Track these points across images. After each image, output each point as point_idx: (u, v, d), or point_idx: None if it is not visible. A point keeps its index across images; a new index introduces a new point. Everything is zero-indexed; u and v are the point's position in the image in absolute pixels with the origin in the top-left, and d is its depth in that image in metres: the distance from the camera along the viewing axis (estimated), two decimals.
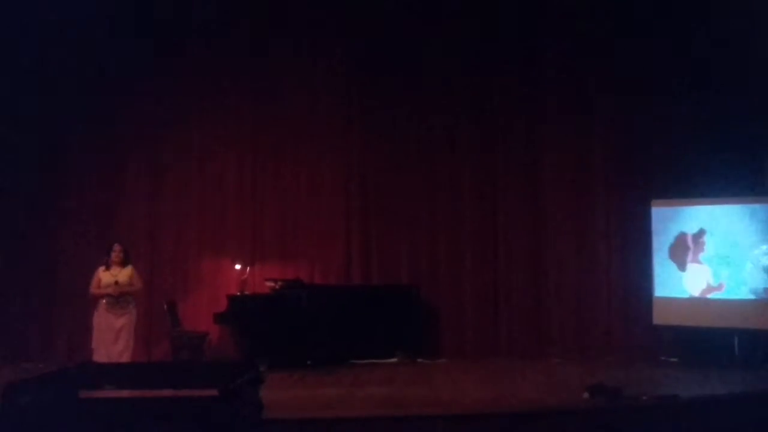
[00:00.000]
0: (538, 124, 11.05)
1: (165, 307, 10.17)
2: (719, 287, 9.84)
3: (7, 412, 3.25)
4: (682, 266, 10.10)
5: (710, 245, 9.93)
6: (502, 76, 11.14)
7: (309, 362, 9.82)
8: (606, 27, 10.82)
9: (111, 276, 8.84)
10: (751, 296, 9.65)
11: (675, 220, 10.21)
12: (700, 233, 9.98)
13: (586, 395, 7.51)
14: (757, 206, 9.77)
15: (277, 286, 10.24)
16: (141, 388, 3.36)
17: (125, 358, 8.75)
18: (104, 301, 8.84)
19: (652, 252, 10.28)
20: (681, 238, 10.12)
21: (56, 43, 10.75)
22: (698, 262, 9.99)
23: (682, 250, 10.07)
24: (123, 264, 8.91)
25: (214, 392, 3.23)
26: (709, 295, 9.87)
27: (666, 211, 10.27)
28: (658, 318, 10.19)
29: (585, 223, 10.86)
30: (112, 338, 8.78)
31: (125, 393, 3.27)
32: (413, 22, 11.03)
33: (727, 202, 9.96)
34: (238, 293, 10.30)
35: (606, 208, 10.82)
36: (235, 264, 10.64)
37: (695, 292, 9.98)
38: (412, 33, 11.06)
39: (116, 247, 8.96)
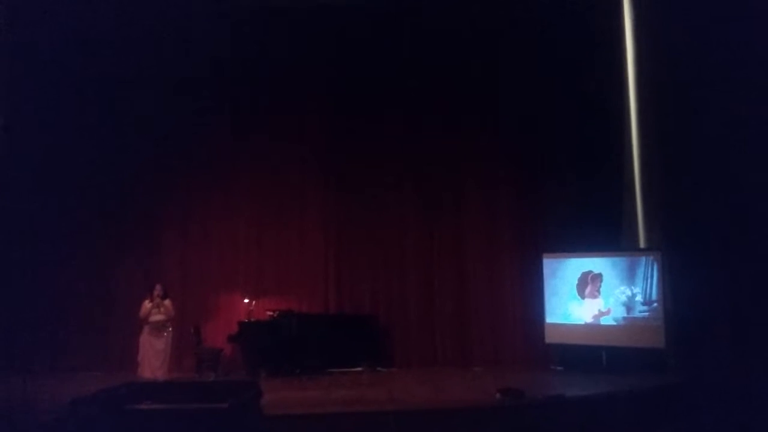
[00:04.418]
0: (464, 198, 11.04)
1: (192, 330, 9.91)
2: (607, 311, 9.75)
3: (74, 420, 3.20)
4: (582, 297, 9.99)
5: (603, 283, 9.88)
6: (434, 165, 11.11)
7: (297, 371, 9.60)
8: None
9: (153, 307, 8.87)
10: (614, 323, 9.70)
11: (560, 268, 10.22)
12: (598, 274, 9.89)
13: (498, 395, 7.50)
14: (616, 258, 9.88)
15: (274, 315, 10.06)
16: (171, 402, 3.29)
17: (163, 370, 8.82)
18: (148, 327, 8.84)
19: (544, 291, 10.29)
20: (584, 275, 10.02)
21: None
22: (594, 295, 9.90)
23: (583, 286, 9.99)
24: (162, 298, 8.94)
25: (225, 405, 3.17)
26: (601, 318, 9.76)
27: (553, 262, 10.30)
28: (549, 338, 10.17)
29: (498, 271, 10.81)
30: (153, 355, 8.85)
31: (159, 406, 3.19)
32: (377, 107, 11.03)
33: (596, 256, 10.02)
34: (246, 320, 10.12)
35: (512, 259, 10.80)
36: (244, 298, 10.47)
37: (589, 318, 9.87)
38: (375, 121, 11.03)
39: (157, 286, 9.08)
